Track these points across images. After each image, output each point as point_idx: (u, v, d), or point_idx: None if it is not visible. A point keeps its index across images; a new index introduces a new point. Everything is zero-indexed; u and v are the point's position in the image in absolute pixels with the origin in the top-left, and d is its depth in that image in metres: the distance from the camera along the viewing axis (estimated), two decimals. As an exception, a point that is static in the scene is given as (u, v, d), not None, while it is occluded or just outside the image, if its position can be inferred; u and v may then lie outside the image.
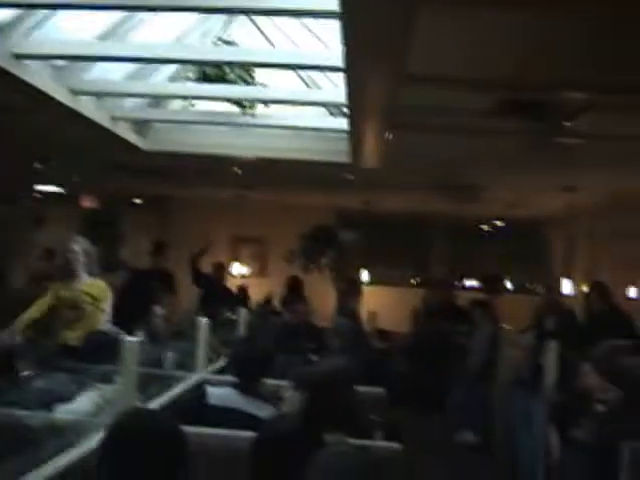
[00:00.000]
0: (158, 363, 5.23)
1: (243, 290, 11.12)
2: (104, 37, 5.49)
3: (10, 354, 4.71)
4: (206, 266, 10.61)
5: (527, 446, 6.40)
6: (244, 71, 6.60)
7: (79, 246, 5.83)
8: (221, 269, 10.83)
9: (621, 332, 7.06)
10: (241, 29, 7.15)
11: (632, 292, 9.95)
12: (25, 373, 4.38)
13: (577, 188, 8.67)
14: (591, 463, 4.66)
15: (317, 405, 3.16)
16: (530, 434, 6.32)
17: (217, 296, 9.67)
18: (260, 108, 7.10)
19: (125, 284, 8.53)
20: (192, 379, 5.21)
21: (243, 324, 6.83)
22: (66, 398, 3.88)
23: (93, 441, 3.04)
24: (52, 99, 5.64)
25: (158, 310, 7.17)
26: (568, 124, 5.62)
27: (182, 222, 12.88)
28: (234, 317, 7.14)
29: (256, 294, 10.86)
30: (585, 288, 9.20)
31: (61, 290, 5.73)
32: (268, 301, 10.35)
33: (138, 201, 13.68)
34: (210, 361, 5.95)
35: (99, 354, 4.16)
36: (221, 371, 5.68)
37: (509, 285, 14.29)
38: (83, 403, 3.89)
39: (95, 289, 5.76)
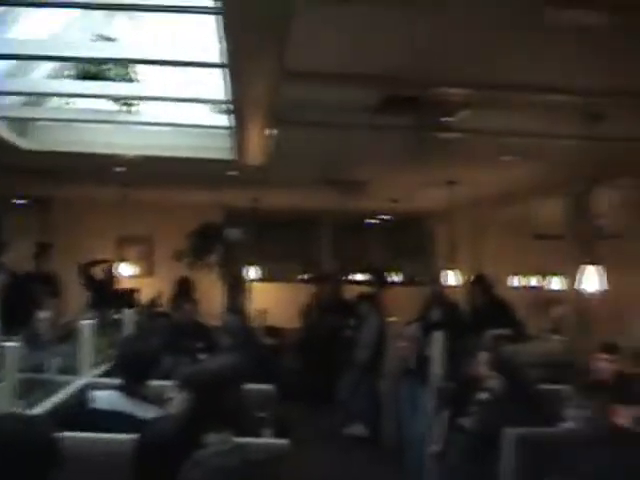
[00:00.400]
0: (42, 368, 5.10)
1: (130, 291, 11.02)
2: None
3: None
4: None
5: (415, 435, 6.53)
6: (124, 68, 6.49)
7: None
8: (109, 272, 10.78)
9: (502, 322, 7.30)
10: (122, 25, 7.01)
11: (515, 281, 10.28)
12: None
13: (458, 182, 8.87)
14: (477, 450, 4.79)
15: (202, 405, 3.14)
16: (417, 423, 6.45)
17: (106, 299, 9.57)
18: (142, 105, 7.00)
19: (6, 288, 8.27)
20: (77, 383, 5.11)
21: (129, 325, 6.75)
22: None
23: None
24: None
25: (41, 314, 7.00)
26: (448, 120, 5.75)
27: (66, 223, 12.55)
28: (119, 318, 7.05)
29: (145, 294, 10.76)
30: (469, 279, 9.43)
31: None
32: (153, 301, 10.27)
33: (20, 202, 13.29)
34: (97, 364, 5.85)
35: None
36: (108, 374, 5.59)
37: (398, 278, 14.48)
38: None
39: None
